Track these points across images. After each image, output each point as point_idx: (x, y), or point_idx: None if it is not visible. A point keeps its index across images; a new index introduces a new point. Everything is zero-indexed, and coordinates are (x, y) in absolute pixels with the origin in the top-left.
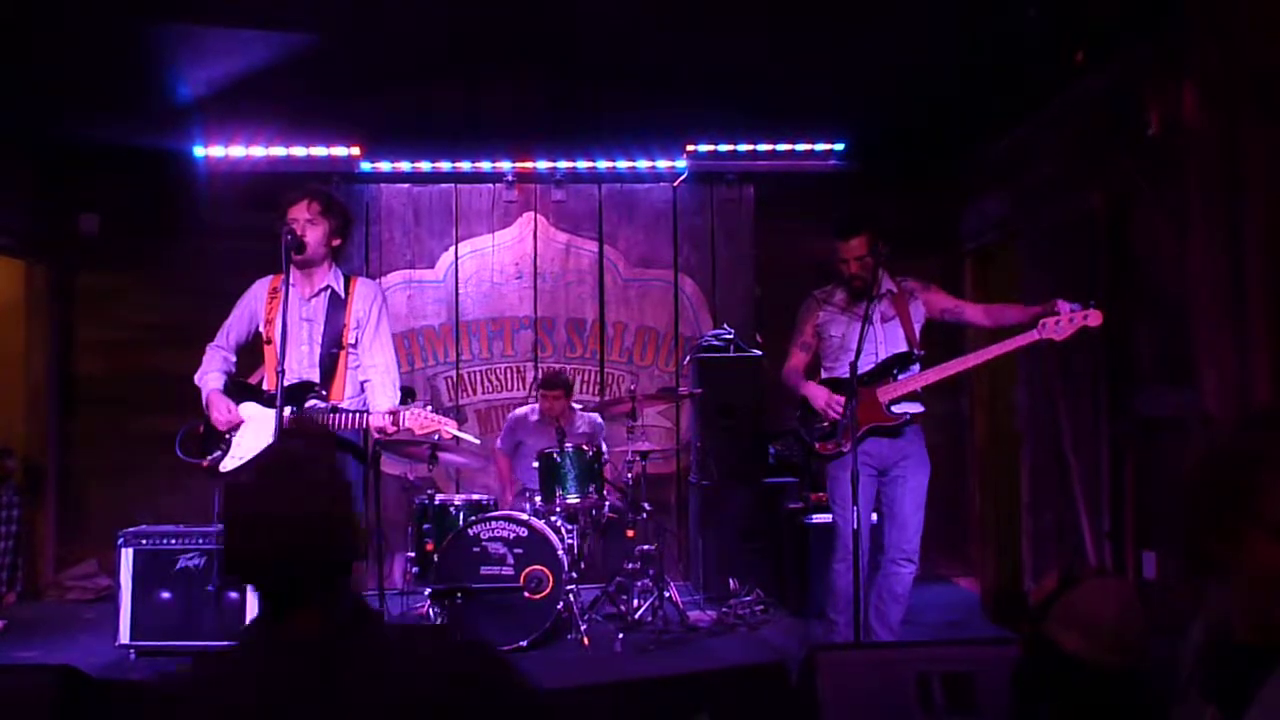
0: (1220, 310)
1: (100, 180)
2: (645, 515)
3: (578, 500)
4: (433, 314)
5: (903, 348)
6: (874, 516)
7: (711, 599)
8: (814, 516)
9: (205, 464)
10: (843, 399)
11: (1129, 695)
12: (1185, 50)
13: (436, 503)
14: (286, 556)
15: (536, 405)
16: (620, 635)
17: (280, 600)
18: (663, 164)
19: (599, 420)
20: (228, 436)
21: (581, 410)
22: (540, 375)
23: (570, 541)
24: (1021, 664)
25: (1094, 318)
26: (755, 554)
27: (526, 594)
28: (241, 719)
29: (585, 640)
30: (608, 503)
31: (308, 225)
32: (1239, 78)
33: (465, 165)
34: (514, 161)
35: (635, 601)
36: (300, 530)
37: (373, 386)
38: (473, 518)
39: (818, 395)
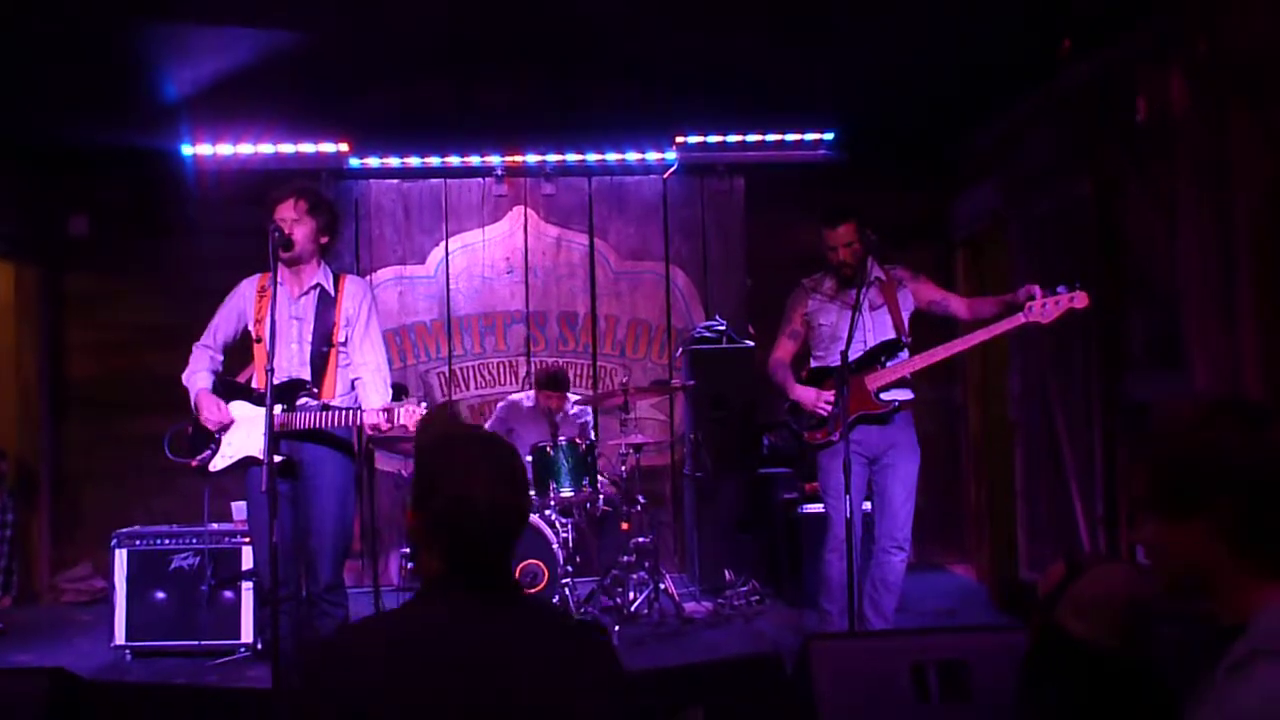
0: (1209, 295)
1: (89, 181)
2: (640, 508)
3: (572, 494)
4: (424, 310)
5: (890, 335)
6: (867, 505)
7: (707, 590)
8: (807, 506)
9: (194, 464)
10: (831, 394)
11: (1138, 680)
12: (1173, 38)
13: None
14: (504, 533)
15: (531, 392)
16: (616, 628)
17: (477, 569)
18: (652, 156)
19: (586, 410)
20: (217, 436)
21: (577, 403)
22: (537, 371)
23: (565, 535)
24: (1031, 653)
25: (1080, 299)
26: (750, 545)
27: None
28: (441, 672)
29: None
30: (602, 496)
31: (294, 223)
32: (1226, 65)
33: (454, 160)
34: (503, 156)
35: (631, 594)
36: (516, 509)
37: (364, 384)
38: None
39: (806, 396)
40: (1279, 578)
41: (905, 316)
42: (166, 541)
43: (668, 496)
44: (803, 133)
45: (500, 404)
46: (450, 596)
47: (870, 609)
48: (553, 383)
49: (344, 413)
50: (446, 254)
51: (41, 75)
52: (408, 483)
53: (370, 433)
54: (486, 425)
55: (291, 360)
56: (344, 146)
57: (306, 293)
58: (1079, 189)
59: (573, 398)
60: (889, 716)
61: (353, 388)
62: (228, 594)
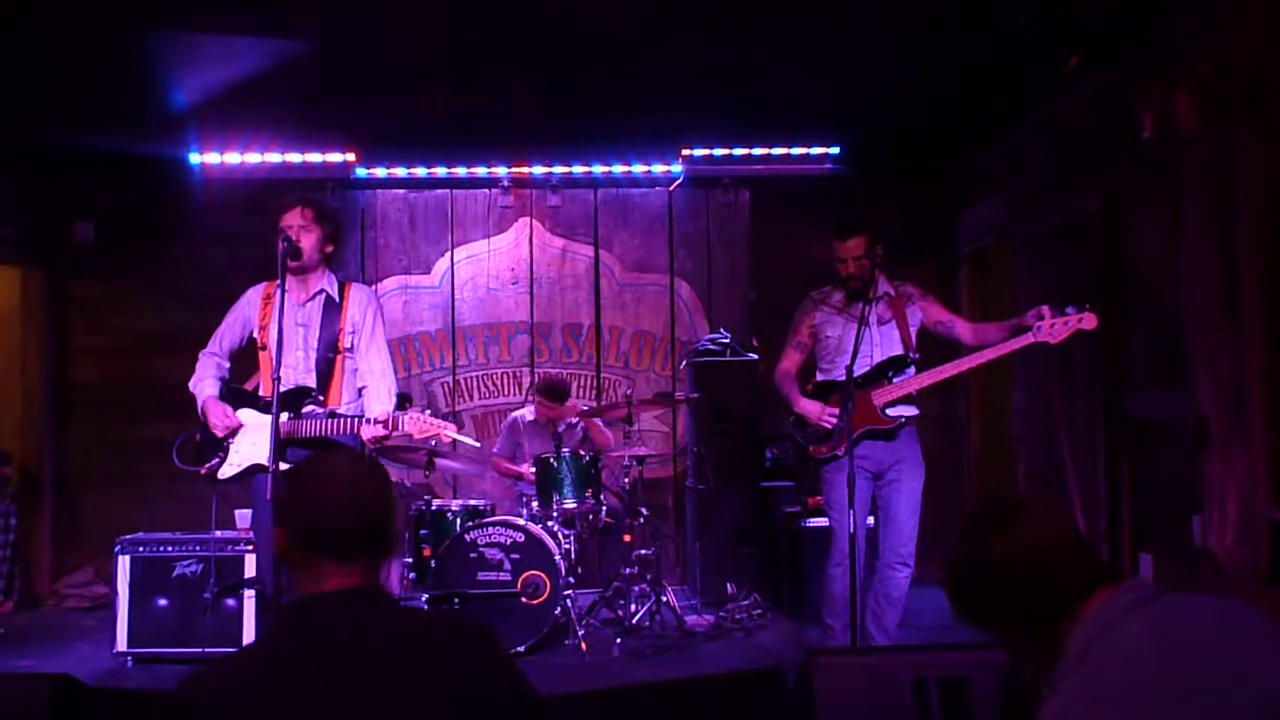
0: (1214, 313)
1: (96, 187)
2: (642, 520)
3: (575, 505)
4: (429, 320)
5: (898, 351)
6: (870, 520)
7: (708, 603)
8: (811, 520)
9: (203, 471)
10: (835, 410)
11: None
12: (1177, 54)
13: (434, 508)
14: (367, 521)
15: (533, 407)
16: (618, 640)
17: (345, 555)
18: (658, 168)
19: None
20: (226, 443)
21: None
22: (536, 381)
23: (567, 546)
24: (1011, 673)
25: (1088, 321)
26: (752, 558)
27: (524, 599)
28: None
29: (583, 645)
30: (605, 507)
31: (301, 232)
32: (1230, 81)
33: (461, 171)
34: (509, 167)
35: (633, 606)
36: (376, 500)
37: (369, 392)
38: (470, 523)
39: (810, 410)
40: (1068, 616)
41: (913, 333)
42: (169, 548)
43: (670, 509)
44: (809, 146)
45: (504, 424)
46: (310, 615)
47: (873, 624)
48: (550, 393)
49: (349, 420)
50: (452, 264)
51: (49, 81)
52: (411, 491)
53: (372, 446)
54: (494, 449)
55: (297, 367)
56: (351, 156)
57: (312, 299)
58: (1084, 205)
59: (580, 405)
60: None
61: (360, 395)
62: (230, 601)
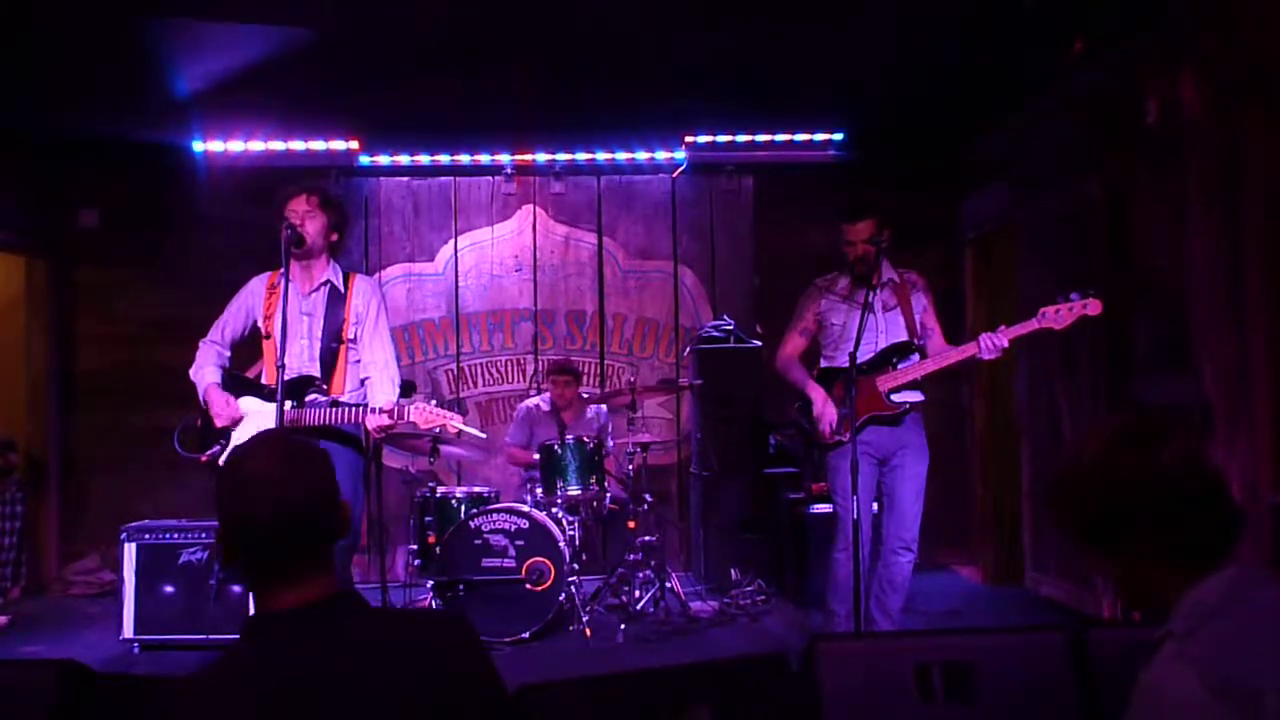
0: (1218, 298)
1: (100, 175)
2: (646, 506)
3: (579, 492)
4: (432, 307)
5: (903, 337)
6: (875, 506)
7: (713, 589)
8: (815, 506)
9: (204, 458)
10: (834, 415)
11: None
12: (1184, 39)
13: (438, 495)
14: (292, 528)
15: (547, 395)
16: (622, 626)
17: (278, 573)
18: (661, 155)
19: (604, 411)
20: (228, 430)
21: (588, 401)
22: (545, 364)
23: (571, 533)
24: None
25: (1093, 306)
26: (755, 544)
27: (528, 585)
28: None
29: (587, 631)
30: (609, 494)
31: (306, 218)
32: (1237, 66)
33: (464, 158)
34: (513, 154)
35: (637, 592)
36: (300, 501)
37: (372, 383)
38: (474, 510)
39: (816, 398)
40: (1199, 574)
41: (918, 319)
42: (175, 535)
43: (674, 495)
44: (812, 133)
45: (517, 412)
46: (265, 629)
47: (877, 609)
48: (562, 366)
49: (353, 409)
50: (455, 251)
51: (53, 69)
52: (416, 478)
53: (377, 435)
54: (507, 437)
55: (301, 356)
56: (354, 144)
57: (317, 289)
58: (1088, 191)
59: (585, 395)
60: (894, 717)
61: (363, 384)
62: (235, 588)
